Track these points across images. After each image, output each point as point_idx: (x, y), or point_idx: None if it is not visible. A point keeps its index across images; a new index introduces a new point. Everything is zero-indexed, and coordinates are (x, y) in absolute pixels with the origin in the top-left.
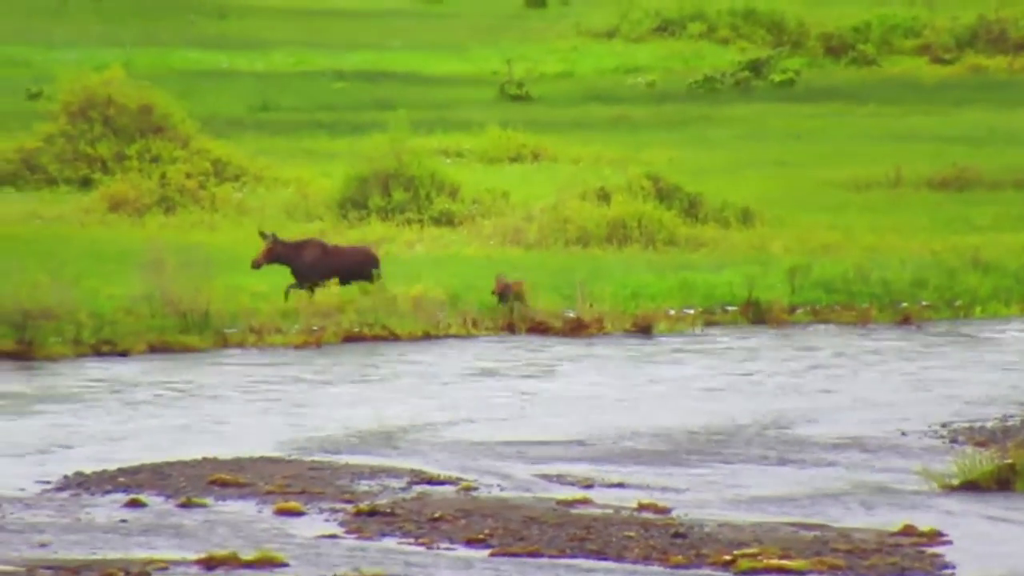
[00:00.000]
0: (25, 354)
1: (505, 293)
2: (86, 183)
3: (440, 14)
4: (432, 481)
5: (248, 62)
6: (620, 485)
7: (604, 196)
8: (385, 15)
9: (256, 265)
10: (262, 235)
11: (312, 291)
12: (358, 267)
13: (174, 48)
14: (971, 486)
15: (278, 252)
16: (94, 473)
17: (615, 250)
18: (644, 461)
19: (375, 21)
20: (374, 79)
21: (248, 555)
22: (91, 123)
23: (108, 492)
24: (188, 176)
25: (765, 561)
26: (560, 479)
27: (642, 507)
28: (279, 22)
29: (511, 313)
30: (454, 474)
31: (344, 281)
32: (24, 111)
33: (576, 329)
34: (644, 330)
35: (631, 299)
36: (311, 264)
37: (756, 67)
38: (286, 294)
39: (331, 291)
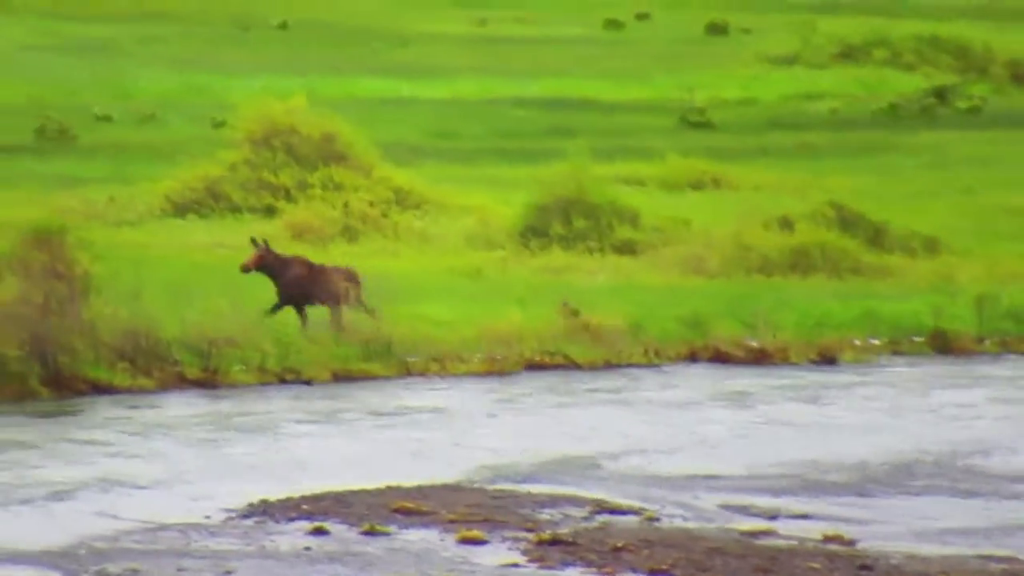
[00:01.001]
0: (210, 382)
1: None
2: (269, 211)
3: (622, 41)
4: (614, 510)
5: (430, 89)
6: (805, 516)
7: (786, 224)
8: (567, 42)
9: (245, 269)
10: (253, 241)
11: (304, 318)
12: (342, 287)
13: (357, 76)
14: None
15: (268, 261)
16: (279, 501)
17: (798, 279)
18: (829, 492)
19: (557, 48)
20: (555, 106)
21: None
22: (274, 151)
23: (292, 520)
24: (370, 204)
25: None
26: (744, 510)
27: (827, 539)
28: (461, 49)
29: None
30: (636, 503)
31: (325, 301)
32: (208, 139)
33: (760, 358)
34: (829, 360)
35: (815, 328)
36: (294, 280)
37: (941, 94)
38: (268, 313)
39: (511, 319)
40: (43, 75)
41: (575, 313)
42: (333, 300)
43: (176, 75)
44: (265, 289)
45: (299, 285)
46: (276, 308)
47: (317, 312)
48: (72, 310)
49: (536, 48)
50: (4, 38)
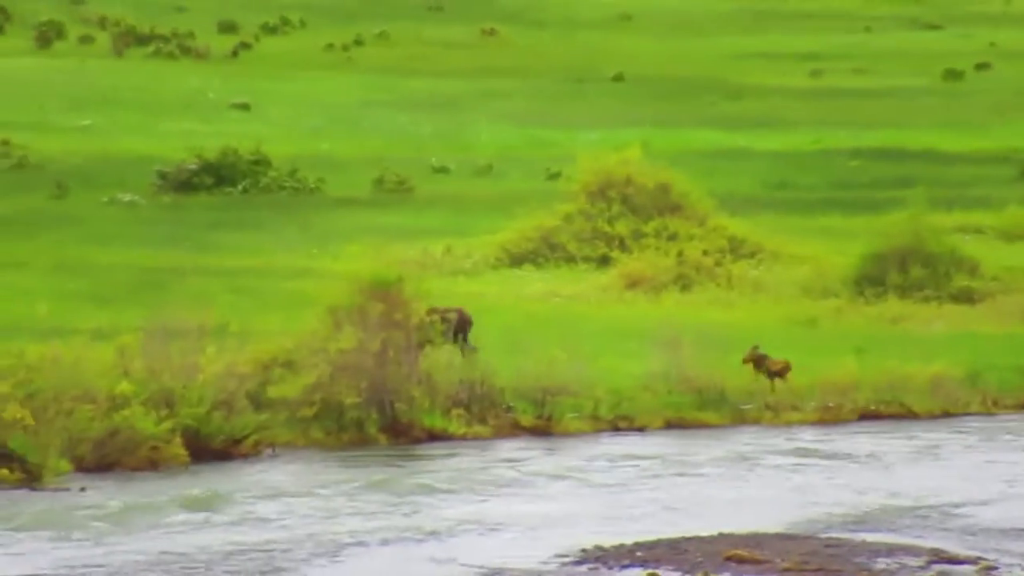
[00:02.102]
0: (544, 429)
1: (758, 363)
2: (604, 261)
3: (960, 92)
4: (952, 560)
5: (765, 141)
6: None
7: None
8: (904, 93)
9: None
10: None
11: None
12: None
13: (692, 128)
14: None
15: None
16: (612, 547)
17: None
18: None
19: (894, 99)
20: (892, 157)
21: None
22: (609, 202)
23: (625, 567)
24: (705, 253)
25: None
26: None
27: None
28: (796, 102)
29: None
30: (974, 553)
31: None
32: (544, 191)
33: None
34: None
35: None
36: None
37: None
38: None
39: (846, 368)
40: (383, 129)
41: (760, 360)
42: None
43: (514, 128)
44: (601, 338)
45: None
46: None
47: (650, 362)
48: (409, 359)
49: (873, 99)
50: (347, 94)
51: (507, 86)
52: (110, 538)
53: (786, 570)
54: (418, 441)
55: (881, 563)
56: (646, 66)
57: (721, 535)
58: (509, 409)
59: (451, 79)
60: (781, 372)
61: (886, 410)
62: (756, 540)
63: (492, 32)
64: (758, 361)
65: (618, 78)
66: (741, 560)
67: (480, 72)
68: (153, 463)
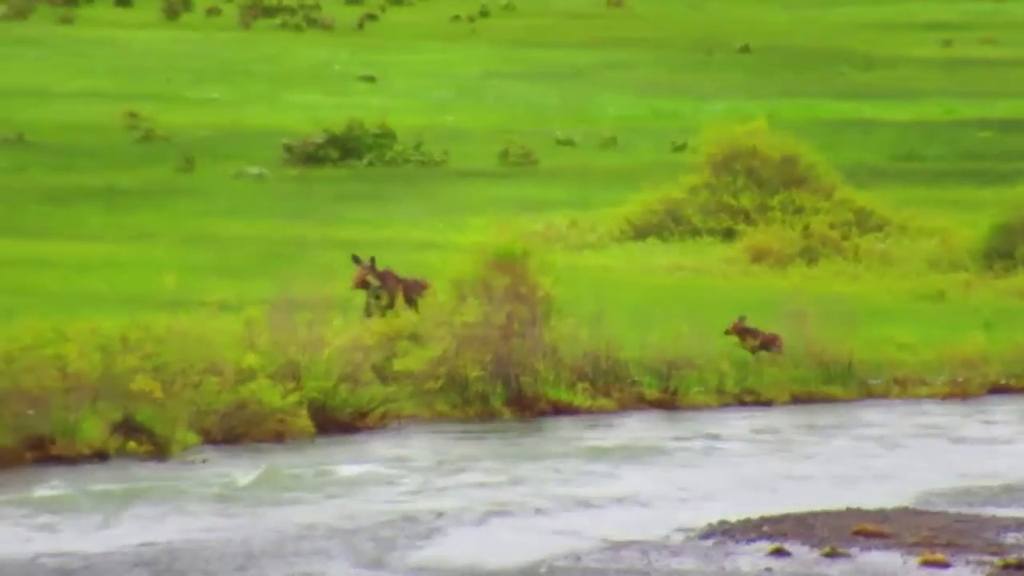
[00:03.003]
0: (669, 403)
1: (743, 335)
2: (729, 234)
3: None
4: None
5: (893, 112)
6: None
7: None
8: None
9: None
10: (356, 259)
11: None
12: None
13: (819, 99)
14: None
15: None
16: (738, 521)
17: None
18: None
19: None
20: (1022, 128)
21: None
22: (735, 175)
23: (752, 540)
24: (831, 227)
25: None
26: None
27: None
28: (926, 72)
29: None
30: None
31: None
32: (669, 163)
33: None
34: None
35: None
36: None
37: None
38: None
39: (975, 342)
40: (508, 101)
41: (745, 332)
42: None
43: (639, 100)
44: (726, 311)
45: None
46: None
47: None
48: (534, 332)
49: (1003, 69)
50: (472, 66)
51: (632, 57)
52: (235, 510)
53: (914, 545)
54: (543, 414)
55: (1011, 538)
56: (773, 37)
57: (848, 510)
58: (634, 382)
59: (576, 50)
60: (767, 345)
61: (1016, 384)
62: (883, 515)
63: (618, 3)
64: (742, 333)
65: (745, 49)
66: (868, 534)
67: (605, 43)
68: (279, 436)
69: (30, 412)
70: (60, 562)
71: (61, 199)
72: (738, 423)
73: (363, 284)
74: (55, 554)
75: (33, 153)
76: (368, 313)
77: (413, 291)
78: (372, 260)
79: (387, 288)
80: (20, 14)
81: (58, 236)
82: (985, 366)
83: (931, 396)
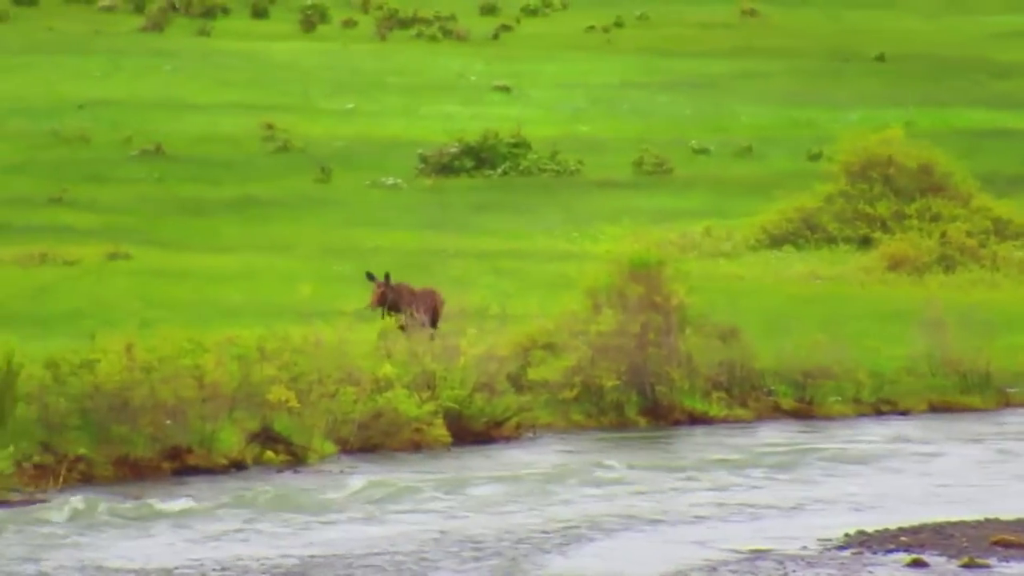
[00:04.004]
0: (805, 413)
1: None
2: (865, 242)
3: None
4: None
5: None
6: None
7: None
8: None
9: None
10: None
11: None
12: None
13: (956, 107)
14: None
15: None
16: (876, 532)
17: None
18: None
19: None
20: None
21: None
22: (871, 183)
23: (890, 551)
24: (968, 234)
25: None
26: None
27: None
28: None
29: None
30: None
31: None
32: (805, 171)
33: None
34: None
35: None
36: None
37: None
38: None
39: None
40: (643, 111)
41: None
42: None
43: (774, 109)
44: (862, 320)
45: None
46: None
47: (912, 344)
48: (668, 341)
49: None
50: (607, 76)
51: (768, 66)
52: (372, 520)
53: None
54: (678, 423)
55: None
56: (909, 45)
57: (987, 520)
58: (770, 392)
59: (711, 60)
60: None
61: None
62: (1023, 525)
63: (753, 12)
64: None
65: (880, 58)
66: (1008, 545)
67: (740, 52)
68: (416, 445)
69: (168, 422)
70: (198, 572)
71: (198, 210)
72: (875, 433)
73: (383, 302)
74: (193, 564)
75: (171, 165)
76: (404, 328)
77: (423, 302)
78: (387, 276)
79: (402, 304)
80: (157, 26)
81: (195, 247)
82: None
83: None
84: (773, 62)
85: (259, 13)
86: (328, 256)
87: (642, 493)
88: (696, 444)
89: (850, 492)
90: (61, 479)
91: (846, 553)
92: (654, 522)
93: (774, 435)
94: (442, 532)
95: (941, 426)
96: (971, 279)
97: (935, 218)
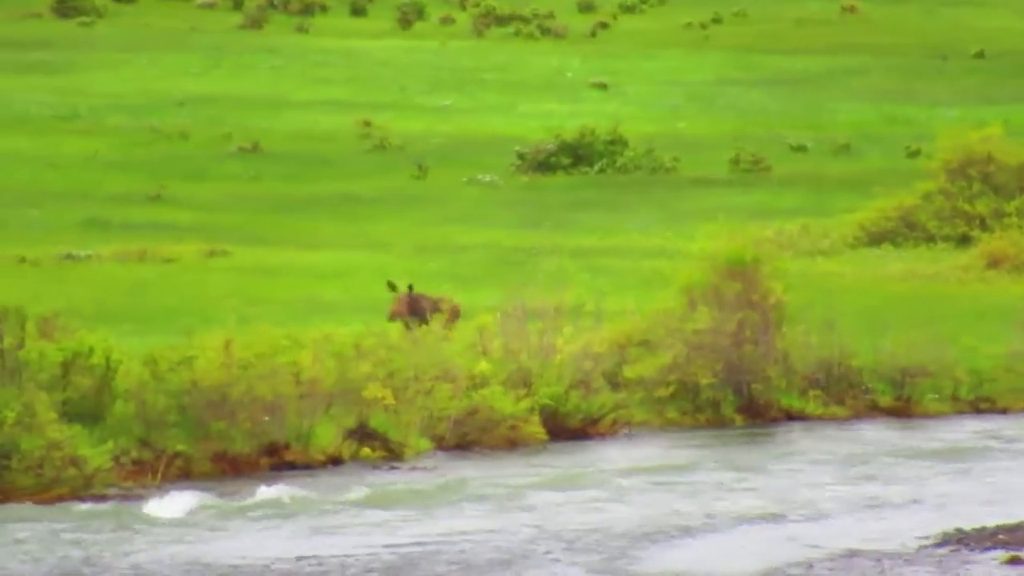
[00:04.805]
0: (903, 411)
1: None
2: (964, 240)
3: None
4: None
5: None
6: None
7: None
8: None
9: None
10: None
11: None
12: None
13: None
14: None
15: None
16: (973, 530)
17: None
18: None
19: None
20: None
21: None
22: (969, 181)
23: (987, 549)
24: None
25: None
26: None
27: None
28: None
29: None
30: None
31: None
32: (903, 169)
33: None
34: None
35: None
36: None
37: None
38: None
39: None
40: (740, 108)
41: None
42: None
43: (873, 106)
44: (961, 318)
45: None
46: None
47: (1013, 342)
48: (765, 339)
49: None
50: (703, 73)
51: (866, 63)
52: (469, 516)
53: None
54: (774, 421)
55: None
56: (1008, 42)
57: None
58: (867, 390)
59: (809, 56)
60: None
61: None
62: None
63: (852, 9)
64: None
65: (979, 55)
66: None
67: (839, 49)
68: (511, 442)
69: (266, 419)
70: (295, 566)
71: (295, 208)
72: (973, 431)
73: (404, 312)
74: (291, 558)
75: (268, 162)
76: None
77: (445, 308)
78: (410, 288)
79: (420, 314)
80: (256, 24)
81: (292, 244)
82: None
83: None
84: (871, 59)
85: (357, 11)
86: (424, 253)
87: (739, 491)
88: (793, 442)
89: (948, 490)
90: (159, 475)
91: (943, 551)
92: (751, 520)
93: (871, 433)
94: (539, 528)
95: None
96: None
97: None
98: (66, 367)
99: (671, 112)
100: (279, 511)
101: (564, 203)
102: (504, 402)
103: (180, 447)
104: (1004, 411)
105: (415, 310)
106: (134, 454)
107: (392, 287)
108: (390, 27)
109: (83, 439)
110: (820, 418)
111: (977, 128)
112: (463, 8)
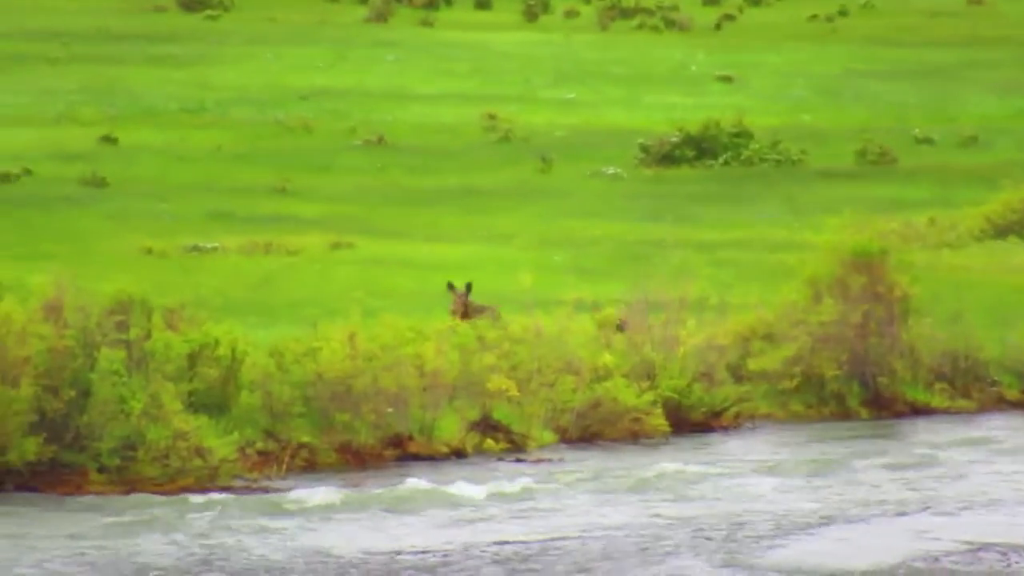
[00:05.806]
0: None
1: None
2: None
3: None
4: None
5: None
6: None
7: None
8: None
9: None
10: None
11: None
12: None
13: None
14: None
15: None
16: None
17: None
18: None
19: None
20: None
21: None
22: None
23: None
24: None
25: None
26: None
27: None
28: None
29: None
30: None
31: None
32: None
33: None
34: None
35: None
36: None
37: None
38: None
39: None
40: (866, 100)
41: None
42: None
43: (1001, 99)
44: None
45: None
46: None
47: None
48: (891, 332)
49: None
50: (830, 65)
51: (994, 56)
52: (592, 509)
53: None
54: (900, 415)
55: None
56: None
57: None
58: (994, 383)
59: (936, 49)
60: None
61: None
62: None
63: (980, 1)
64: None
65: None
66: None
67: (966, 41)
68: (634, 435)
69: (389, 410)
70: (419, 559)
71: (420, 200)
72: None
73: (465, 312)
74: (415, 551)
75: (393, 154)
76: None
77: (489, 312)
78: (468, 287)
79: (474, 314)
80: (381, 17)
81: (416, 236)
82: None
83: None
84: (1000, 51)
85: (482, 4)
86: (548, 246)
87: (865, 484)
88: (919, 435)
89: None
90: (284, 466)
91: None
92: (876, 513)
93: (999, 427)
94: (663, 521)
95: None
96: None
97: None
98: (192, 358)
99: (796, 104)
100: (404, 503)
101: (688, 196)
102: (627, 394)
103: (305, 438)
104: None
105: (467, 312)
106: (259, 445)
107: (451, 287)
108: (515, 20)
109: (209, 430)
110: (946, 411)
111: None
112: (587, 1)
